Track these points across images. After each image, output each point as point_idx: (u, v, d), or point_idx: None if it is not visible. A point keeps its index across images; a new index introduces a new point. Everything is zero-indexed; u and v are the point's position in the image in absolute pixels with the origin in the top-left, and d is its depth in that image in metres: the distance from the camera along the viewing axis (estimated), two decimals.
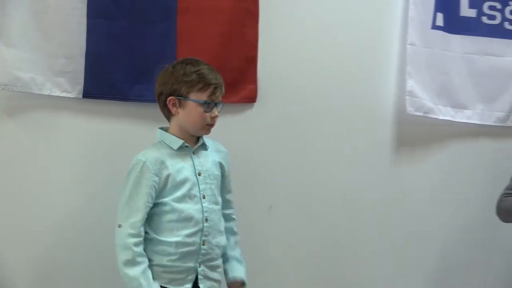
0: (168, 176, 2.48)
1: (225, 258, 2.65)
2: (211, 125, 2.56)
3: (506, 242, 3.38)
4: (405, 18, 3.22)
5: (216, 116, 2.54)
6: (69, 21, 2.95)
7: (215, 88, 2.56)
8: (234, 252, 2.68)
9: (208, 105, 2.50)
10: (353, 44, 3.25)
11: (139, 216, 2.45)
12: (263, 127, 3.18)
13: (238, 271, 2.66)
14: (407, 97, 3.21)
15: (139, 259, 2.41)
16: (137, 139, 2.89)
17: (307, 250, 3.21)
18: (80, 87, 3.00)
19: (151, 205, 2.47)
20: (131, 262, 2.40)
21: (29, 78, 2.92)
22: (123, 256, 2.40)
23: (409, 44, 3.20)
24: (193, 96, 2.52)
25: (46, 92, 2.96)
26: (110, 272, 2.70)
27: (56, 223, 3.04)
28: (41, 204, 3.01)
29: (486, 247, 3.45)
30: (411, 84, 3.22)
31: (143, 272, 2.42)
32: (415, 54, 3.22)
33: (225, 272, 2.67)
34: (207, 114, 2.51)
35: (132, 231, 2.40)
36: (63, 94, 2.99)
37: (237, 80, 3.12)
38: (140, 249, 2.42)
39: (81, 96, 3.01)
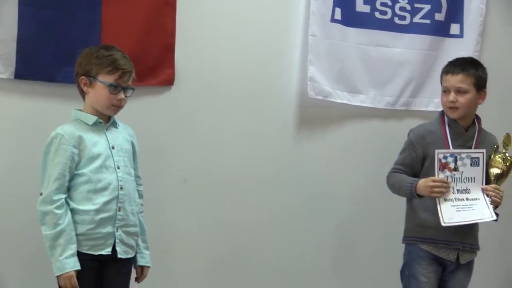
0: (84, 148, 2.58)
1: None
2: (117, 107, 2.64)
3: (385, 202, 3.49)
4: (307, 12, 3.39)
5: (122, 99, 2.62)
6: (2, 9, 3.00)
7: (123, 73, 2.64)
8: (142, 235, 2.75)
9: (115, 87, 2.60)
10: (260, 34, 3.39)
11: (56, 184, 2.51)
12: (179, 108, 3.29)
13: (145, 259, 2.76)
14: (308, 82, 3.40)
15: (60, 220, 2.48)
16: (63, 117, 2.84)
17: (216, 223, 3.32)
18: (12, 68, 3.05)
19: (68, 174, 2.54)
20: (54, 224, 2.47)
21: None
22: (47, 220, 2.48)
23: (310, 35, 3.37)
24: (101, 77, 2.62)
25: None
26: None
27: None
28: None
29: (372, 207, 3.61)
30: (312, 71, 3.40)
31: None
32: (316, 44, 3.39)
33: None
34: (113, 96, 2.60)
35: (53, 198, 2.49)
36: None
37: (156, 65, 3.25)
38: (61, 211, 2.49)
39: (12, 77, 3.06)
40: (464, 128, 3.05)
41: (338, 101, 3.51)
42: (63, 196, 2.53)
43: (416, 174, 3.00)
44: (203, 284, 3.37)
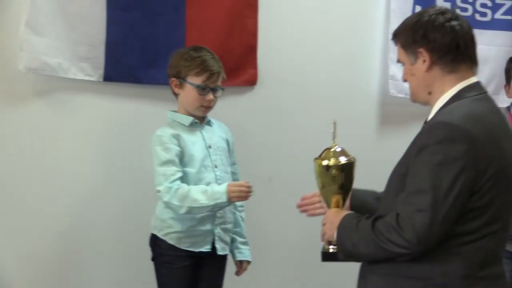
0: (185, 147, 2.64)
1: (232, 238, 2.78)
2: (207, 107, 2.68)
3: None
4: (387, 9, 3.40)
5: (210, 100, 2.66)
6: (91, 12, 3.07)
7: (211, 74, 2.67)
8: (240, 231, 2.80)
9: (203, 89, 2.63)
10: (341, 33, 3.40)
11: (174, 176, 2.57)
12: (262, 107, 3.32)
13: (244, 254, 2.82)
14: (390, 81, 3.40)
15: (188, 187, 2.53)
16: (150, 118, 3.05)
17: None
18: (101, 71, 3.13)
19: (179, 168, 2.59)
20: (193, 195, 2.51)
21: (56, 63, 3.03)
22: (181, 203, 2.51)
23: (391, 33, 3.33)
24: (190, 79, 2.67)
25: (71, 75, 3.09)
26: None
27: (85, 194, 3.17)
28: (65, 177, 3.12)
29: None
30: (393, 69, 3.36)
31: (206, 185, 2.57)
32: None
33: (232, 254, 2.81)
34: (202, 97, 2.64)
35: (170, 185, 2.55)
36: (86, 78, 3.12)
37: (239, 66, 3.27)
38: (179, 186, 2.54)
39: (102, 79, 3.14)
40: None
41: None
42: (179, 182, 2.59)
43: None
44: (290, 279, 3.37)
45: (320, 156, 2.09)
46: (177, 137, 2.63)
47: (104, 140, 3.20)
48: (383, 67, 3.46)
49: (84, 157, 3.16)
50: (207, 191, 2.55)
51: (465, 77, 1.89)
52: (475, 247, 1.80)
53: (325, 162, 2.04)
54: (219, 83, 2.71)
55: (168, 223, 2.66)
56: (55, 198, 3.12)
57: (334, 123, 2.14)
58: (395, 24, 3.20)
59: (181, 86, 2.69)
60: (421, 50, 1.89)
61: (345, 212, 2.01)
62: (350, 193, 2.11)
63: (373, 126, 3.52)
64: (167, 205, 2.56)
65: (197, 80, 2.66)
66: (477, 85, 1.93)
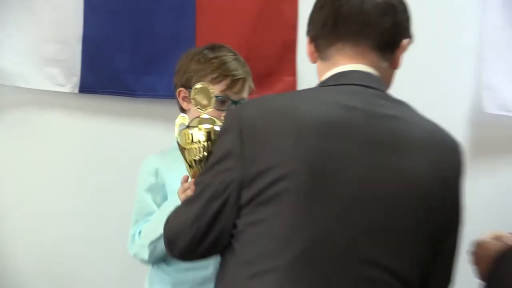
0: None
1: None
2: None
3: None
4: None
5: None
6: (63, 2, 2.70)
7: (234, 81, 2.25)
8: None
9: (222, 102, 2.16)
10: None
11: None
12: None
13: None
14: (486, 92, 2.85)
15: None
16: (146, 143, 2.64)
17: None
18: (76, 79, 2.69)
19: None
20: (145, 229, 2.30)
21: (14, 68, 2.65)
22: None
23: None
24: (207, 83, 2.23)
25: (34, 85, 2.67)
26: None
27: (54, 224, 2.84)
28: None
29: None
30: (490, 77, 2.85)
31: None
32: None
33: None
34: (220, 113, 2.07)
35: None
36: (56, 88, 2.68)
37: (271, 71, 2.82)
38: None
39: (77, 90, 2.70)
40: None
41: None
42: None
43: None
44: None
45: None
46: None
47: (82, 176, 2.82)
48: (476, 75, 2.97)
49: (50, 195, 2.83)
50: (158, 211, 2.31)
51: None
52: None
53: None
54: (244, 94, 2.26)
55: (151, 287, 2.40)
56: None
57: None
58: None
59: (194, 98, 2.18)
60: None
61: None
62: None
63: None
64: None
65: (215, 89, 2.15)
66: None
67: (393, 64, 1.81)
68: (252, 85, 2.34)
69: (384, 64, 1.78)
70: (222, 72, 2.22)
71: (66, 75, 2.69)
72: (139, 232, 2.30)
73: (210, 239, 1.73)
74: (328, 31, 1.76)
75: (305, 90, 1.90)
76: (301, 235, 1.63)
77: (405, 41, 1.79)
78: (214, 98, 1.93)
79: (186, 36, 2.74)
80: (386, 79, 1.82)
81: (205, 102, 1.93)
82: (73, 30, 2.68)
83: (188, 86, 2.24)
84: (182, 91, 2.26)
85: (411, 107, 1.80)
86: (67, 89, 2.70)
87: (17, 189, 2.87)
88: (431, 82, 3.01)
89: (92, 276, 2.95)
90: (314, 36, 1.78)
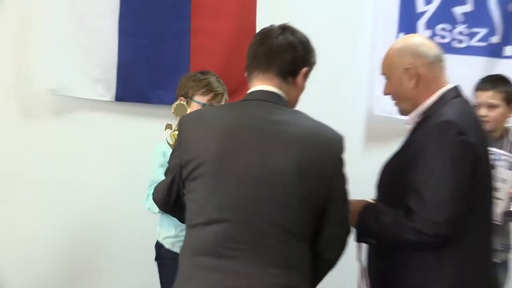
0: None
1: None
2: None
3: None
4: (374, 38, 3.62)
5: None
6: (104, 39, 3.36)
7: (216, 94, 2.83)
8: None
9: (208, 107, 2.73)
10: (330, 56, 3.38)
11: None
12: None
13: None
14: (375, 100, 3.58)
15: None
16: (157, 134, 2.93)
17: None
18: (113, 92, 3.38)
19: None
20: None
21: (73, 85, 3.31)
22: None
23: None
24: (196, 98, 2.83)
25: (86, 96, 3.35)
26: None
27: (94, 204, 3.44)
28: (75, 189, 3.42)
29: None
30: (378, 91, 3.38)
31: None
32: None
33: None
34: None
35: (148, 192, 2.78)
36: (100, 98, 3.38)
37: (240, 88, 3.26)
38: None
39: (113, 99, 3.39)
40: (494, 139, 3.16)
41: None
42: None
43: None
44: None
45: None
46: None
47: (115, 153, 3.46)
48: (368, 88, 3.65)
49: (98, 168, 3.45)
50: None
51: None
52: None
53: None
54: (222, 102, 2.86)
55: (161, 229, 2.88)
56: (70, 205, 3.42)
57: None
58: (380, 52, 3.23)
59: (188, 104, 2.81)
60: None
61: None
62: None
63: (360, 142, 3.74)
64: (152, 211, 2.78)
65: (203, 99, 2.81)
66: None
67: (296, 85, 2.08)
68: (227, 97, 2.91)
69: (287, 86, 2.06)
70: (208, 89, 2.82)
71: (106, 89, 3.36)
72: (152, 193, 2.58)
73: (172, 199, 2.08)
74: (250, 63, 2.11)
75: (231, 103, 2.34)
76: (212, 203, 1.94)
77: (304, 69, 2.07)
78: (188, 110, 2.53)
79: (184, 65, 3.38)
80: (291, 96, 2.08)
81: (181, 114, 2.50)
82: (111, 60, 3.35)
83: (186, 96, 2.82)
84: (182, 99, 2.80)
85: (303, 114, 2.04)
86: (107, 98, 3.37)
87: (82, 169, 3.43)
88: (337, 94, 3.64)
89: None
90: (246, 66, 2.13)
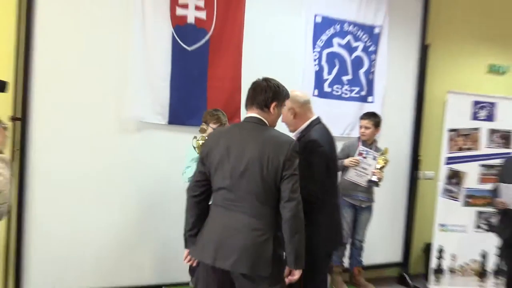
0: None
1: None
2: None
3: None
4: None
5: None
6: (165, 86, 4.86)
7: (221, 123, 4.26)
8: None
9: None
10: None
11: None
12: None
13: None
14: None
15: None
16: (189, 142, 4.49)
17: None
18: (166, 119, 4.94)
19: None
20: None
21: (146, 114, 4.85)
22: None
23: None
24: (211, 124, 4.32)
25: (151, 120, 4.84)
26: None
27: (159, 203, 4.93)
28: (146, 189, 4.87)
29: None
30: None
31: None
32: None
33: None
34: None
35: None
36: (159, 122, 4.90)
37: (235, 115, 5.04)
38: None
39: (167, 123, 4.93)
40: (368, 144, 5.26)
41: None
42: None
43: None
44: None
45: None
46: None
47: (167, 163, 4.96)
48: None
49: (157, 174, 4.95)
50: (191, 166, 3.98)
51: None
52: None
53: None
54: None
55: None
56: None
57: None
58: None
59: (206, 127, 4.36)
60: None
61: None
62: None
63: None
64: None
65: (214, 126, 4.37)
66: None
67: (272, 114, 2.95)
68: (227, 123, 4.29)
69: (266, 114, 2.94)
70: (218, 120, 4.29)
71: (164, 117, 4.87)
72: (185, 172, 4.12)
73: (200, 182, 2.99)
74: (246, 100, 3.01)
75: (235, 124, 3.08)
76: (219, 178, 2.90)
77: (273, 103, 2.93)
78: (207, 130, 3.89)
79: (202, 105, 4.81)
80: (269, 120, 2.99)
81: (203, 132, 3.97)
82: (165, 100, 4.81)
83: (205, 123, 4.27)
84: (204, 124, 4.31)
85: (275, 129, 2.87)
86: (163, 121, 4.84)
87: (147, 166, 4.68)
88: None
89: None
90: (245, 102, 3.00)
